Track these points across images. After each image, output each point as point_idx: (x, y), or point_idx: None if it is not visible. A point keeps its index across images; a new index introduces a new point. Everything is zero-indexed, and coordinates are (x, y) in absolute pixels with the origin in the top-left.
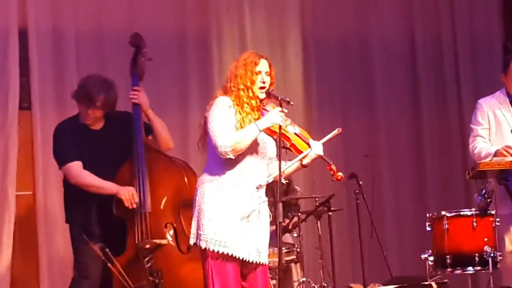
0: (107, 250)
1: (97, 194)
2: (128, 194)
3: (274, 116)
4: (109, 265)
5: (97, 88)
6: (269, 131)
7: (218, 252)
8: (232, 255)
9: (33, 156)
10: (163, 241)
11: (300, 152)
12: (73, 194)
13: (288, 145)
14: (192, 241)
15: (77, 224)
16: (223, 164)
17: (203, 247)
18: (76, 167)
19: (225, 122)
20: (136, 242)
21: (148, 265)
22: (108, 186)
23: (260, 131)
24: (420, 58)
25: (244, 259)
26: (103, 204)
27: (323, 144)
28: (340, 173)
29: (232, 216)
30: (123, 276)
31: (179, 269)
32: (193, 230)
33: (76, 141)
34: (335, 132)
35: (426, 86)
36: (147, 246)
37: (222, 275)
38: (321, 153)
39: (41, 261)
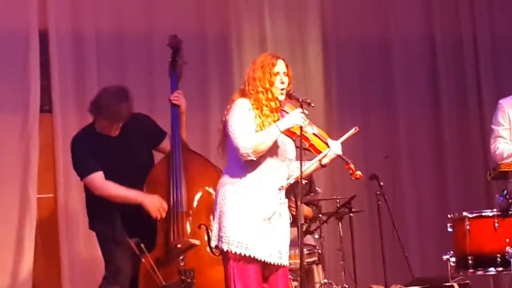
0: (142, 245)
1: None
2: (154, 204)
3: (295, 117)
4: (143, 260)
5: (118, 101)
6: (289, 132)
7: (240, 254)
8: (253, 257)
9: (54, 158)
10: (196, 242)
11: (319, 152)
12: (96, 203)
13: (307, 145)
14: (213, 244)
15: (102, 230)
16: (244, 166)
17: (224, 249)
18: (98, 179)
19: (245, 124)
20: (171, 240)
21: (182, 264)
22: (133, 196)
23: (281, 132)
24: (440, 58)
25: (266, 261)
26: (127, 211)
27: (342, 143)
28: (358, 172)
29: (254, 218)
30: (155, 273)
31: (209, 271)
32: (215, 232)
33: (95, 151)
34: (353, 131)
35: (446, 86)
36: (179, 245)
37: (244, 277)
38: (340, 153)
39: (63, 263)
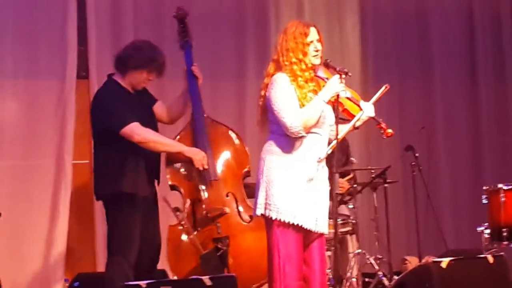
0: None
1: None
2: (199, 155)
3: (335, 85)
4: (183, 226)
5: (157, 51)
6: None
7: (287, 222)
8: (300, 225)
9: (90, 125)
10: (226, 210)
11: (352, 116)
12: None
13: (340, 110)
14: (259, 212)
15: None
16: (288, 136)
17: (273, 217)
18: (139, 126)
19: (290, 101)
20: (204, 209)
21: (219, 232)
22: (177, 145)
23: (326, 102)
24: (478, 29)
25: (310, 230)
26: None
27: (373, 103)
28: (390, 130)
29: (300, 188)
30: (194, 241)
31: (241, 238)
32: (260, 200)
33: (126, 102)
34: (383, 89)
35: (484, 57)
36: (209, 214)
37: (288, 245)
38: (373, 114)
39: (97, 228)
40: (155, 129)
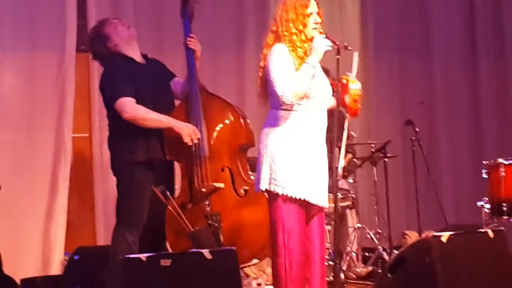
0: (167, 193)
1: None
2: (188, 129)
3: (319, 45)
4: (170, 208)
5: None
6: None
7: (293, 197)
8: (306, 200)
9: (90, 98)
10: (221, 185)
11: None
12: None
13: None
14: (263, 187)
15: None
16: (288, 110)
17: (279, 193)
18: (131, 101)
19: (285, 71)
20: (196, 185)
21: (208, 208)
22: (166, 120)
23: (314, 67)
24: (478, 5)
25: (314, 204)
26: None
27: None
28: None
29: (303, 161)
30: (182, 219)
31: (236, 213)
32: (264, 175)
33: (129, 75)
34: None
35: (483, 31)
36: (204, 189)
37: (292, 219)
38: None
39: (97, 202)
40: (168, 102)
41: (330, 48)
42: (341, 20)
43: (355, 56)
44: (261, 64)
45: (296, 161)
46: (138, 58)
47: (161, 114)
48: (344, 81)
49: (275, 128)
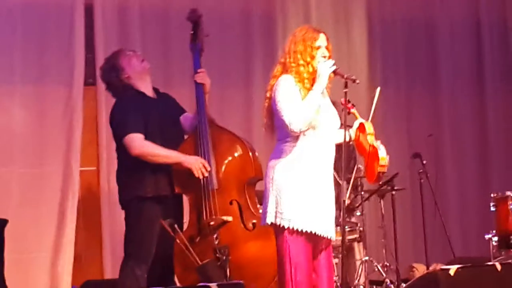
0: (176, 226)
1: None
2: (197, 163)
3: (322, 70)
4: (178, 241)
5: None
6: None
7: (300, 230)
8: (313, 232)
9: (97, 131)
10: (229, 218)
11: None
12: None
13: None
14: (269, 220)
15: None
16: (294, 141)
17: (285, 226)
18: (140, 138)
19: (292, 100)
20: (204, 218)
21: (216, 242)
22: (175, 155)
23: (319, 93)
24: (486, 37)
25: (321, 236)
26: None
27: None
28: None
29: (309, 194)
30: (190, 252)
31: (244, 247)
32: (270, 208)
33: (139, 110)
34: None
35: (490, 65)
36: (212, 223)
37: (299, 253)
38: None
39: (104, 236)
40: (178, 137)
41: (334, 67)
42: (348, 53)
43: (377, 92)
44: (268, 94)
45: (302, 194)
46: (149, 92)
47: (170, 149)
48: (372, 148)
49: (280, 161)
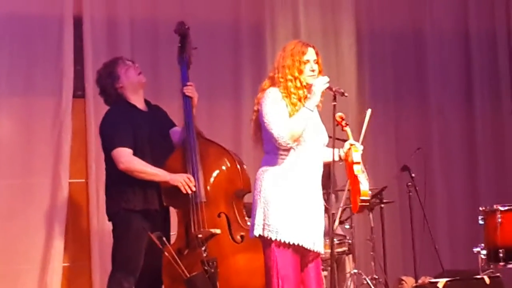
0: (164, 239)
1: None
2: (182, 180)
3: (317, 86)
4: (166, 254)
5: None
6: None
7: (287, 243)
8: (300, 245)
9: (86, 143)
10: (217, 231)
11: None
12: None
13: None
14: (257, 232)
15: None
16: (282, 154)
17: (272, 238)
18: (128, 152)
19: (279, 113)
20: (193, 231)
21: (205, 254)
22: (162, 173)
23: (312, 110)
24: (474, 51)
25: (309, 249)
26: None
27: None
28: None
29: (297, 206)
30: (178, 265)
31: (232, 259)
32: (258, 221)
33: (129, 123)
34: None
35: (479, 79)
36: (200, 235)
37: (286, 266)
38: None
39: (93, 248)
40: (167, 151)
41: (328, 85)
42: (337, 65)
43: (368, 114)
44: (255, 108)
45: (289, 206)
46: (141, 105)
47: (159, 162)
48: (355, 179)
49: (268, 173)
